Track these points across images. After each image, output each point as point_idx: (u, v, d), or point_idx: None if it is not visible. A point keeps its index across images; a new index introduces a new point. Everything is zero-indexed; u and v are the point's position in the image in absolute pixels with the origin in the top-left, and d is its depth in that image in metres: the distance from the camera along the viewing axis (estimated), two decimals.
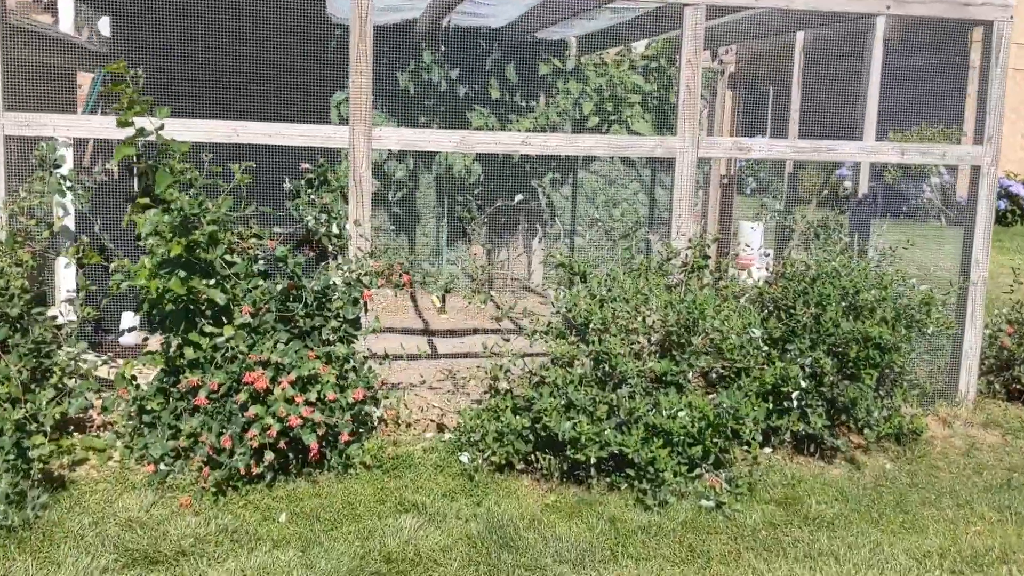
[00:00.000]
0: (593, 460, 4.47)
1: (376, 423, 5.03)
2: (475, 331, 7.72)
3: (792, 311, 5.09)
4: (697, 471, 4.55)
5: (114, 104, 4.73)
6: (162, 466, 4.45)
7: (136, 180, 4.90)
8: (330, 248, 4.98)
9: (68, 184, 5.02)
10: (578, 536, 4.17)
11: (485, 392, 5.09)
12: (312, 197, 5.07)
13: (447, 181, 9.18)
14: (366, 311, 5.06)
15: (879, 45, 7.01)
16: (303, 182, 5.19)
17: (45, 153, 4.90)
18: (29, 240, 4.90)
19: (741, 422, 4.56)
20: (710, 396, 4.87)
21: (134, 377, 4.74)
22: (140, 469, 4.58)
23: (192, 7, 7.76)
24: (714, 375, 4.98)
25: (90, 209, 5.04)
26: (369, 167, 5.12)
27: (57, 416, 4.38)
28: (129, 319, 5.95)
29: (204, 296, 4.45)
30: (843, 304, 5.06)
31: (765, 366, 4.85)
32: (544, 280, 9.73)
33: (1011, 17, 5.54)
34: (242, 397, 4.34)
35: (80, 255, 4.78)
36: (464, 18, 8.30)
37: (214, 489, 4.33)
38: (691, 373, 4.81)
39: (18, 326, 4.61)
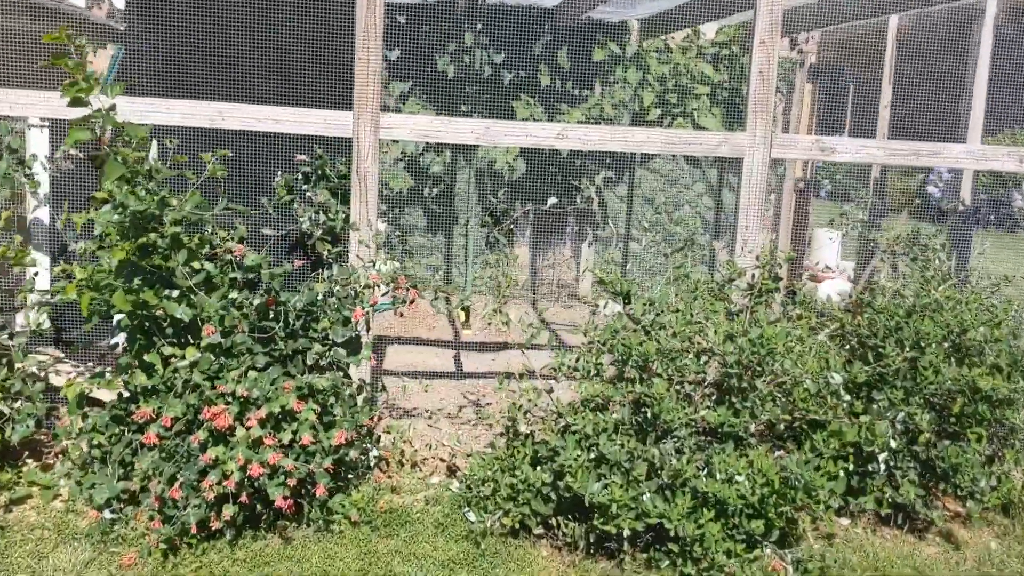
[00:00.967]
0: (627, 533, 3.60)
1: (373, 464, 4.24)
2: (505, 346, 6.89)
3: (881, 351, 4.14)
4: (756, 551, 3.65)
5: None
6: (108, 513, 3.72)
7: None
8: (326, 255, 4.20)
9: (28, 171, 4.32)
10: None
11: (501, 434, 4.25)
12: (309, 194, 4.29)
13: (489, 177, 8.35)
14: (368, 329, 4.28)
15: (988, 32, 5.96)
16: (298, 177, 4.41)
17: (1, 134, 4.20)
18: None
19: (814, 495, 3.65)
20: (776, 454, 3.97)
21: (90, 401, 4.03)
22: (88, 512, 3.86)
23: None
24: (782, 426, 4.07)
25: (53, 200, 4.33)
26: (375, 160, 4.32)
27: None
28: None
29: (166, 311, 3.70)
30: (945, 345, 4.10)
31: (847, 420, 3.93)
32: (593, 288, 8.84)
33: None
34: (201, 436, 3.58)
35: (8, 255, 4.06)
36: None
37: (164, 546, 3.58)
38: (753, 425, 3.91)
39: None
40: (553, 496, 3.81)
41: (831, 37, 8.12)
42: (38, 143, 4.71)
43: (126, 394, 3.89)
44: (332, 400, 3.78)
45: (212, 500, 3.54)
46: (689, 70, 8.33)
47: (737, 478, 3.63)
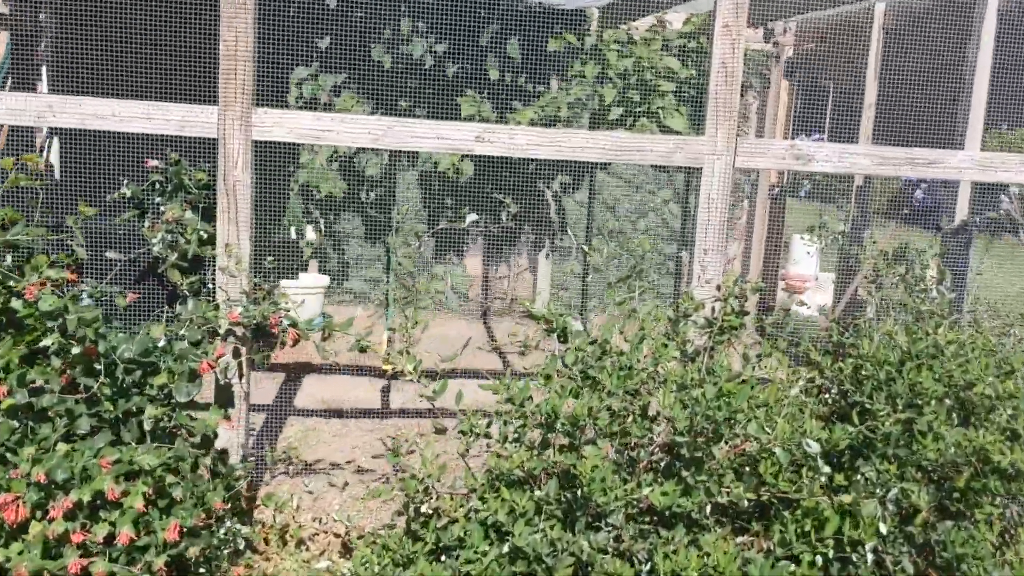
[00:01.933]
0: None
1: (243, 547, 3.41)
2: (452, 373, 6.07)
3: (868, 409, 3.35)
4: None
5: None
6: None
7: None
8: (181, 287, 3.36)
9: None
10: None
11: (399, 512, 3.43)
12: (163, 208, 3.46)
13: (436, 181, 7.53)
14: (240, 376, 3.46)
15: (992, 16, 5.19)
16: (148, 187, 3.57)
17: None
18: None
19: None
20: (739, 541, 3.17)
21: None
22: None
23: None
24: (746, 503, 3.26)
25: None
26: (248, 167, 3.49)
27: None
28: None
29: None
30: (947, 402, 3.32)
31: (826, 498, 3.13)
32: (551, 302, 8.04)
33: None
34: None
35: None
36: None
37: None
38: (709, 506, 3.11)
39: None
40: None
41: (810, 27, 7.33)
42: None
43: None
44: (170, 479, 2.95)
45: None
46: (653, 64, 7.53)
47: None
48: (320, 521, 3.78)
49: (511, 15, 7.18)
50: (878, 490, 3.17)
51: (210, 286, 3.52)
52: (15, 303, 3.02)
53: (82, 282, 3.36)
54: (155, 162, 3.59)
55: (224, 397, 3.59)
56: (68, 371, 2.98)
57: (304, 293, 6.76)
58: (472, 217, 6.54)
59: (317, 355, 6.53)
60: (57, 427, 2.95)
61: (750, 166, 3.86)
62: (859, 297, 6.44)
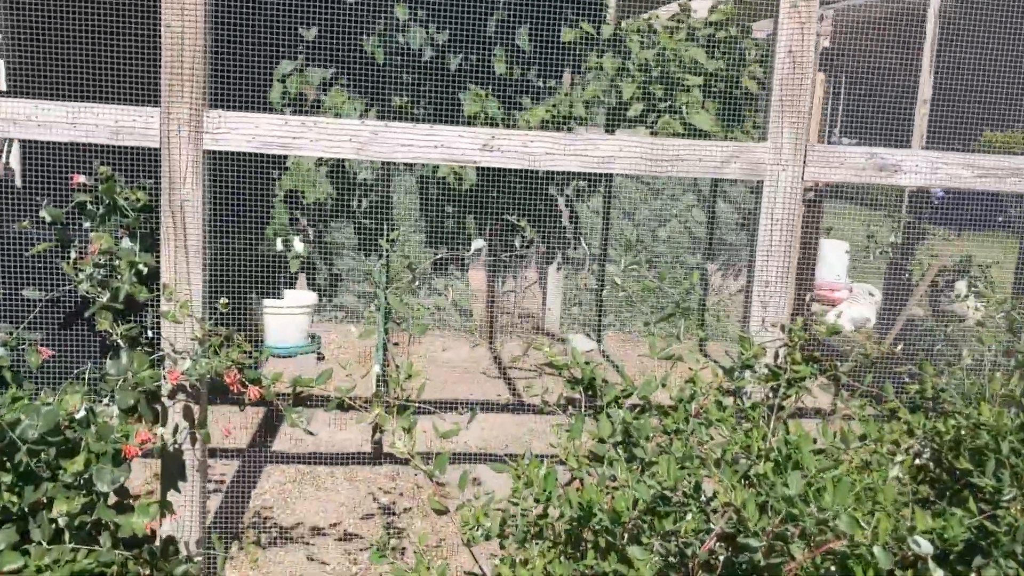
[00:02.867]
0: None
1: None
2: (452, 406, 5.38)
3: (978, 489, 2.64)
4: None
5: None
6: None
7: None
8: (115, 336, 2.65)
9: None
10: None
11: None
12: (95, 235, 2.75)
13: (436, 187, 6.82)
14: (194, 442, 2.76)
15: None
16: (74, 208, 2.86)
17: None
18: None
19: None
20: None
21: None
22: None
23: None
24: None
25: None
26: (200, 183, 2.78)
27: None
28: None
29: None
30: None
31: None
32: (563, 320, 7.34)
33: None
34: None
35: None
36: None
37: None
38: None
39: None
40: None
41: (852, 14, 6.61)
42: None
43: None
44: None
45: None
46: (678, 56, 6.81)
47: None
48: None
49: (520, 1, 6.46)
50: None
51: (152, 333, 2.81)
52: None
53: None
54: (82, 178, 2.88)
55: (173, 468, 2.89)
56: None
57: (289, 313, 6.06)
58: (479, 244, 5.82)
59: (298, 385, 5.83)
60: None
61: (822, 179, 3.15)
62: (913, 318, 5.73)
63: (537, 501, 2.45)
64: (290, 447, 4.66)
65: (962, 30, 5.49)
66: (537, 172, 6.81)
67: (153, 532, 2.52)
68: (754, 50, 7.06)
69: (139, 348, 2.73)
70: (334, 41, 6.25)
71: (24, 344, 2.68)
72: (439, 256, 6.34)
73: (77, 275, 2.68)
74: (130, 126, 2.77)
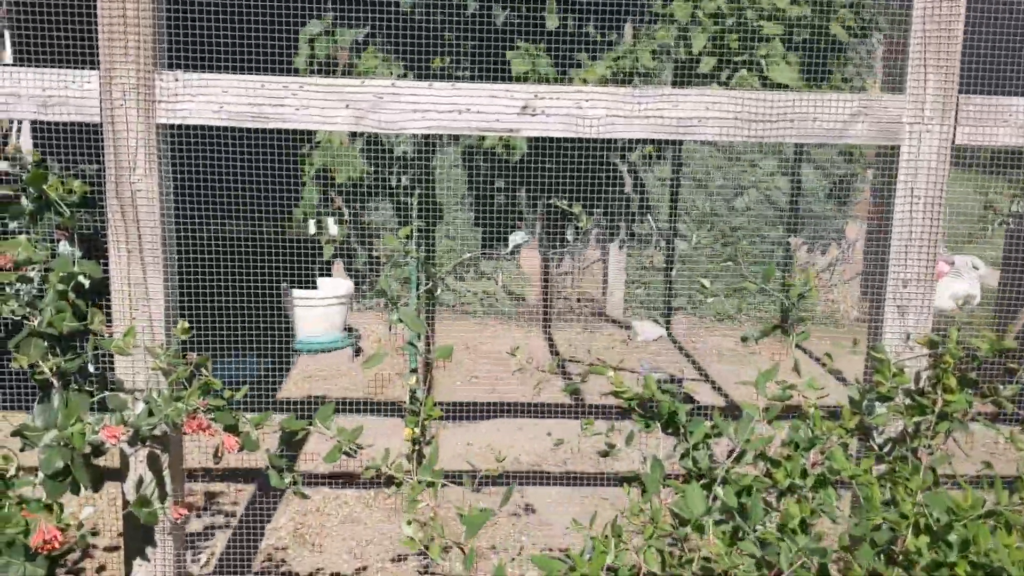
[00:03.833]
0: None
1: None
2: (496, 410, 4.70)
3: None
4: None
5: None
6: None
7: None
8: (45, 372, 2.02)
9: None
10: None
11: None
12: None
13: (481, 159, 6.12)
14: (163, 497, 2.13)
15: None
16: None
17: None
18: None
19: None
20: None
21: None
22: None
23: None
24: None
25: None
26: (155, 167, 2.12)
27: None
28: None
29: None
30: None
31: None
32: (627, 304, 6.60)
33: None
34: None
35: None
36: None
37: None
38: None
39: None
40: None
41: None
42: None
43: None
44: None
45: None
46: (756, 1, 5.97)
47: None
48: None
49: None
50: None
51: (103, 365, 2.17)
52: None
53: None
54: (3, 165, 2.23)
55: (137, 533, 2.26)
56: None
57: (321, 304, 5.43)
58: (518, 239, 5.08)
59: (323, 385, 5.21)
60: None
61: (979, 141, 2.36)
62: None
63: None
64: (311, 466, 4.04)
65: None
66: (596, 138, 6.05)
67: None
68: None
69: (85, 385, 2.09)
70: None
71: None
72: (466, 257, 5.64)
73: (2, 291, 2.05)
74: (61, 95, 2.11)
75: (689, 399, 2.44)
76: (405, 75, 5.81)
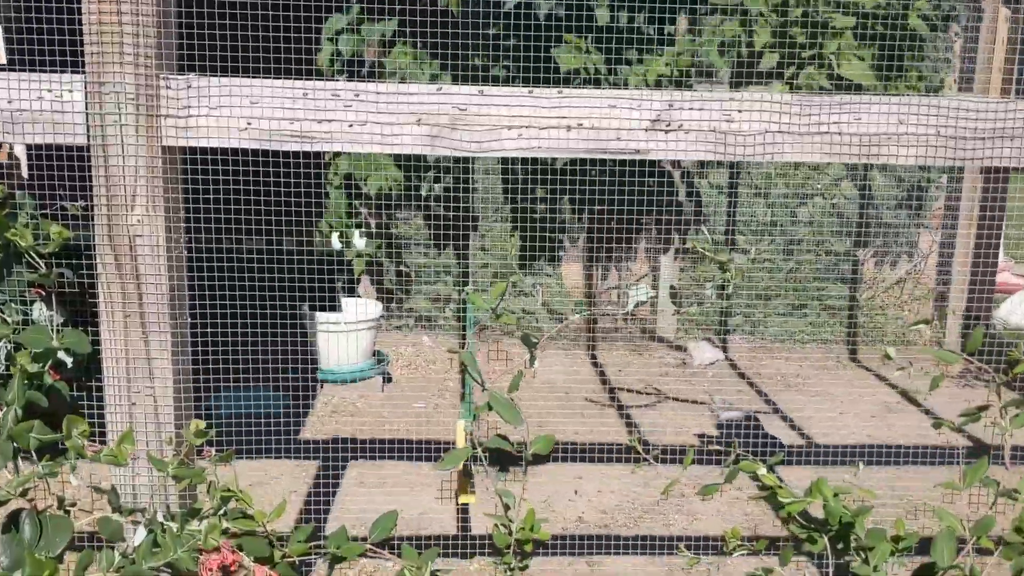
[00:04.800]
0: None
1: None
2: (549, 457, 4.13)
3: None
4: None
5: None
6: None
7: None
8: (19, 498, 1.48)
9: None
10: None
11: None
12: None
13: (522, 167, 5.57)
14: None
15: None
16: None
17: None
18: None
19: None
20: None
21: None
22: None
23: None
24: None
25: None
26: (160, 204, 1.57)
27: None
28: None
29: None
30: None
31: None
32: (679, 322, 6.04)
33: None
34: None
35: None
36: None
37: None
38: None
39: None
40: None
41: None
42: None
43: None
44: None
45: None
46: None
47: None
48: None
49: None
50: None
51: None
52: None
53: None
54: None
55: None
56: None
57: (347, 330, 4.89)
58: (641, 295, 4.50)
59: (350, 423, 4.66)
60: None
61: None
62: None
63: None
64: (347, 517, 3.48)
65: None
66: None
67: None
68: None
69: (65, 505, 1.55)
70: None
71: None
72: (512, 279, 5.08)
73: None
74: (34, 109, 1.57)
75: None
76: (439, 76, 5.26)
